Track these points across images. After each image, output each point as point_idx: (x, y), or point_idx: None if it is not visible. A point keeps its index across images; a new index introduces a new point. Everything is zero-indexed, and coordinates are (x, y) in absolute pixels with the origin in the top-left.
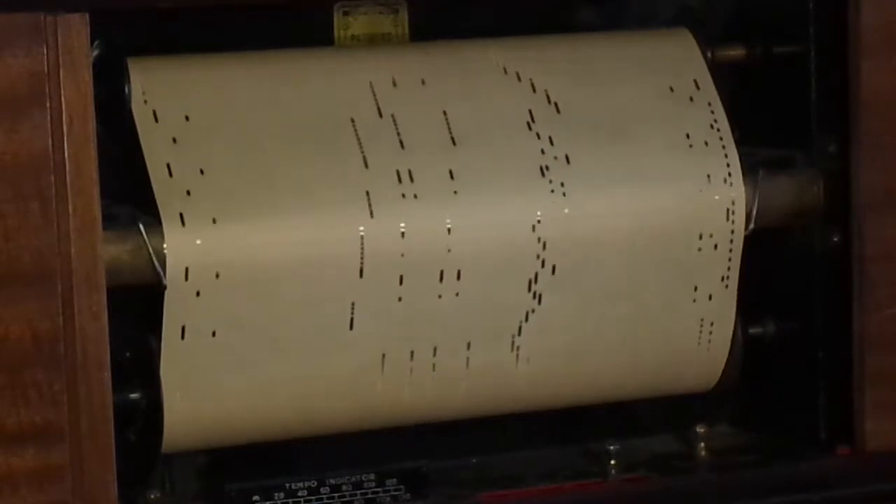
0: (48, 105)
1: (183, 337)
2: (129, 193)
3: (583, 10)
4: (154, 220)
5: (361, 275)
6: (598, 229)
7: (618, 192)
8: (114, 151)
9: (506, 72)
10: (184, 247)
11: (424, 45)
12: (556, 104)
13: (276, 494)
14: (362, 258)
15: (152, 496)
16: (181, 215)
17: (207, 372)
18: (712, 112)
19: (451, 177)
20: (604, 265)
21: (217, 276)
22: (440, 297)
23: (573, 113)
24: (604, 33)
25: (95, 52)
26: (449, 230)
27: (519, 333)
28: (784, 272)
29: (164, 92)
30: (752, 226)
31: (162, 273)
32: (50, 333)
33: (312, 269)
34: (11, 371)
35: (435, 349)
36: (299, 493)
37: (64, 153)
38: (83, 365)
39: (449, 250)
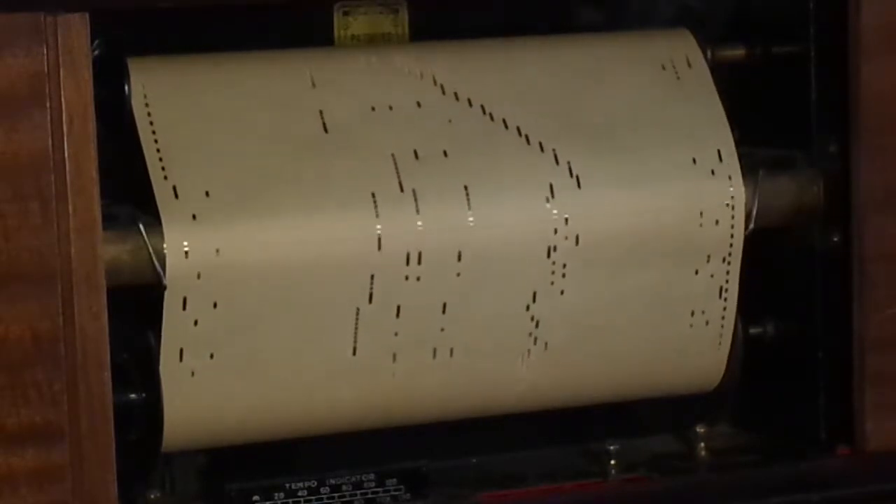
0: (48, 105)
1: (183, 337)
2: (129, 193)
3: (583, 10)
4: (154, 220)
5: (367, 277)
6: (597, 230)
7: (617, 193)
8: (114, 151)
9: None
10: (184, 246)
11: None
12: (553, 105)
13: (276, 494)
14: (369, 260)
15: (152, 496)
16: (181, 215)
17: (208, 372)
18: (712, 112)
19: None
20: (603, 266)
21: (217, 275)
22: (448, 298)
23: (572, 113)
24: (604, 33)
25: (95, 52)
26: (454, 230)
27: (523, 336)
28: (784, 272)
29: (164, 92)
30: (752, 226)
31: (162, 273)
32: (50, 333)
33: (315, 270)
34: (11, 371)
35: (435, 350)
36: (299, 493)
37: (64, 153)
38: (83, 365)
39: (459, 252)
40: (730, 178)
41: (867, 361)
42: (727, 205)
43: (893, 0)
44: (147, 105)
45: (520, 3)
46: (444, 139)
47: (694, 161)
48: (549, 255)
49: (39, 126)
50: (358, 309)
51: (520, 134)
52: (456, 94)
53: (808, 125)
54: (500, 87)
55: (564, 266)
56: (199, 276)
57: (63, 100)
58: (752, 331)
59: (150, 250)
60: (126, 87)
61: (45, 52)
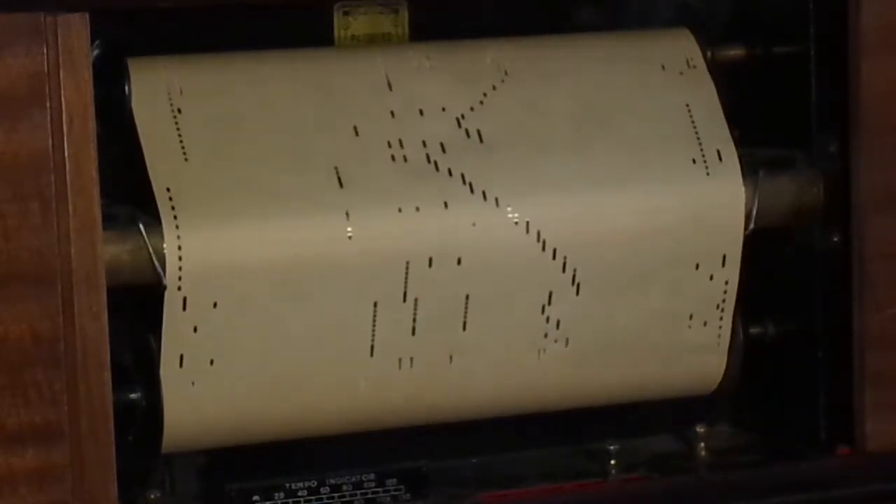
0: (48, 105)
1: (183, 337)
2: (129, 193)
3: (583, 10)
4: (154, 220)
5: (370, 278)
6: (597, 230)
7: (617, 193)
8: (114, 151)
9: (505, 72)
10: (184, 247)
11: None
12: (555, 104)
13: (276, 494)
14: (372, 262)
15: (152, 496)
16: (181, 215)
17: (207, 372)
18: (712, 112)
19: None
20: (603, 266)
21: (217, 275)
22: (453, 299)
23: (572, 113)
24: (604, 33)
25: (95, 52)
26: (463, 230)
27: (534, 339)
28: (784, 272)
29: (164, 92)
30: (752, 226)
31: (162, 273)
32: (50, 333)
33: (314, 270)
34: (11, 371)
35: (451, 356)
36: (299, 493)
37: (64, 153)
38: (83, 365)
39: (462, 252)
40: (730, 178)
41: (867, 361)
42: (727, 205)
43: (893, 0)
44: (147, 105)
45: (520, 3)
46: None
47: (693, 161)
48: (553, 258)
49: (39, 126)
50: (359, 310)
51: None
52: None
53: (808, 125)
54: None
55: (565, 269)
56: (199, 276)
57: (63, 100)
58: (752, 331)
59: (150, 250)
60: (126, 87)
61: (45, 52)
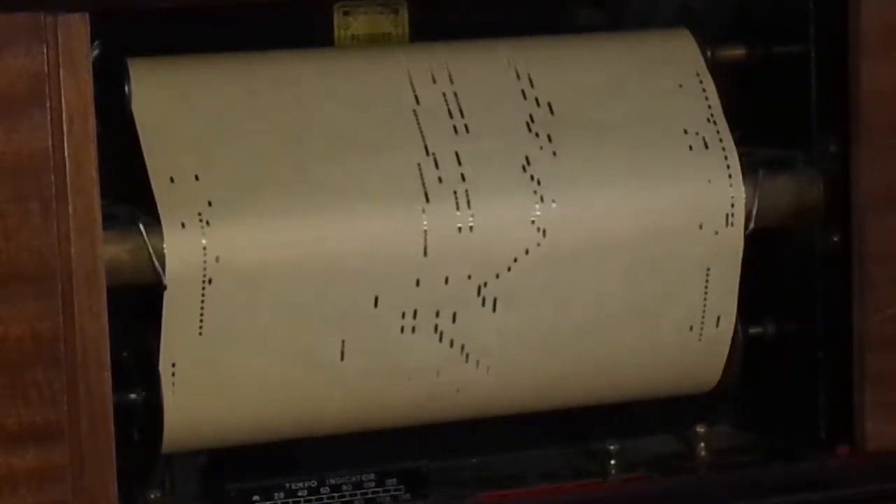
0: (48, 105)
1: (182, 337)
2: (129, 193)
3: (583, 10)
4: (154, 220)
5: (371, 279)
6: (598, 229)
7: (618, 192)
8: (114, 151)
9: (506, 71)
10: (184, 247)
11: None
12: (553, 105)
13: (276, 494)
14: (373, 263)
15: (152, 496)
16: (181, 215)
17: (207, 372)
18: (712, 112)
19: (463, 179)
20: (604, 265)
21: (217, 276)
22: (451, 295)
23: (572, 113)
24: (604, 33)
25: (95, 52)
26: (459, 229)
27: (522, 334)
28: (784, 272)
29: (164, 92)
30: (752, 226)
31: (162, 273)
32: (50, 333)
33: (314, 270)
34: (11, 371)
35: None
36: (299, 493)
37: (64, 153)
38: (83, 365)
39: (459, 249)
40: (730, 178)
41: (867, 361)
42: (727, 205)
43: (893, 0)
44: (147, 105)
45: (520, 3)
46: (447, 139)
47: (693, 161)
48: (542, 252)
49: (39, 126)
50: (360, 310)
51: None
52: (456, 94)
53: (808, 125)
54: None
55: (562, 264)
56: (199, 276)
57: (63, 100)
58: (752, 331)
59: (150, 250)
60: (126, 87)
61: (45, 52)
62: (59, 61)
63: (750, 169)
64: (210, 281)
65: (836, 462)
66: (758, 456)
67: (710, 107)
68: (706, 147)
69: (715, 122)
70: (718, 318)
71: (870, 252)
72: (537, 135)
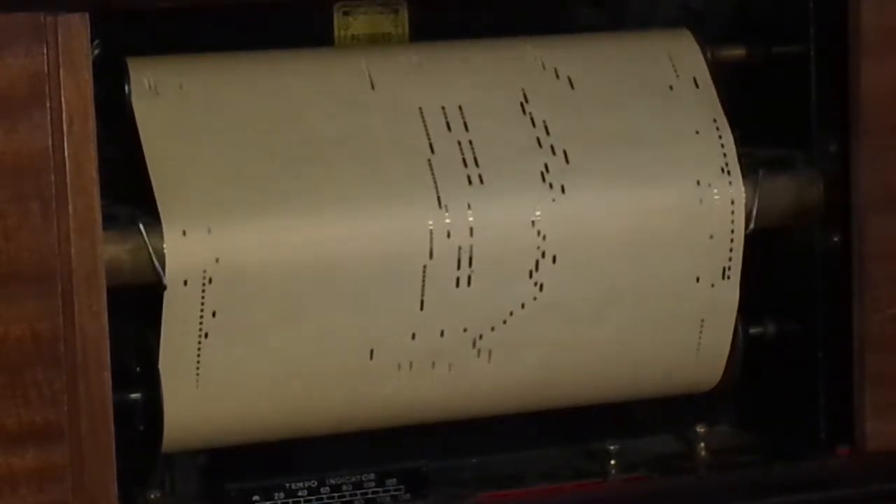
0: (48, 105)
1: (182, 337)
2: (129, 193)
3: (583, 10)
4: (154, 220)
5: (371, 279)
6: (598, 229)
7: (618, 192)
8: (114, 151)
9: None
10: (184, 247)
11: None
12: (556, 105)
13: (276, 494)
14: (373, 263)
15: (152, 496)
16: (181, 215)
17: (207, 372)
18: (712, 112)
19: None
20: (604, 265)
21: (217, 276)
22: (452, 296)
23: (572, 113)
24: (604, 33)
25: (95, 52)
26: (471, 231)
27: (521, 333)
28: (784, 272)
29: (164, 92)
30: (752, 226)
31: (162, 273)
32: (50, 333)
33: (313, 270)
34: (11, 371)
35: (441, 350)
36: (299, 493)
37: (64, 153)
38: (83, 365)
39: (459, 248)
40: (730, 178)
41: (867, 361)
42: (727, 205)
43: (893, 0)
44: (147, 105)
45: (520, 3)
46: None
47: (694, 161)
48: (554, 258)
49: (39, 126)
50: (360, 311)
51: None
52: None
53: (808, 125)
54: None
55: (564, 265)
56: (198, 276)
57: (63, 100)
58: (752, 331)
59: (150, 250)
60: (126, 88)
61: (45, 52)
62: (59, 61)
63: (750, 169)
64: (210, 281)
65: (836, 462)
66: (758, 456)
67: (709, 106)
68: (706, 147)
69: (715, 122)
70: (719, 319)
71: (870, 252)
72: (538, 136)
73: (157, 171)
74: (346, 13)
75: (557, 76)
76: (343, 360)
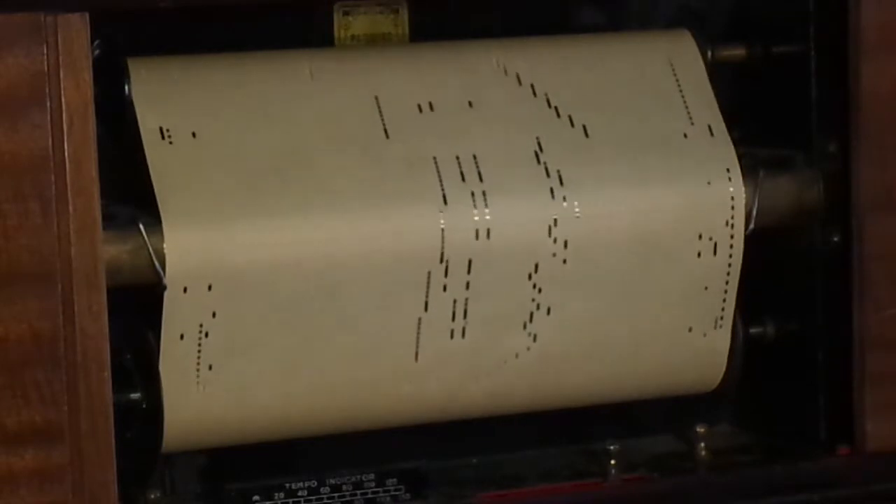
0: (48, 105)
1: (183, 337)
2: (129, 193)
3: (583, 10)
4: (154, 220)
5: (371, 280)
6: (598, 229)
7: (618, 193)
8: (114, 151)
9: (506, 72)
10: (184, 247)
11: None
12: (556, 106)
13: (276, 494)
14: (372, 263)
15: (152, 496)
16: (181, 215)
17: (208, 371)
18: (712, 112)
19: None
20: (604, 265)
21: (217, 276)
22: (454, 299)
23: (572, 113)
24: (604, 33)
25: (95, 52)
26: (478, 232)
27: (523, 334)
28: (784, 272)
29: (164, 92)
30: (752, 226)
31: (162, 273)
32: (50, 333)
33: (313, 270)
34: (11, 371)
35: (441, 348)
36: (299, 493)
37: (64, 153)
38: (83, 365)
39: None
40: (730, 178)
41: (867, 361)
42: (727, 205)
43: (893, 0)
44: (147, 105)
45: (520, 3)
46: (449, 139)
47: (693, 162)
48: (552, 256)
49: (39, 126)
50: (360, 311)
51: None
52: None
53: (808, 125)
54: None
55: (565, 266)
56: (199, 276)
57: (63, 100)
58: (752, 331)
59: (150, 250)
60: (126, 88)
61: (45, 52)
62: (59, 61)
63: (750, 169)
64: (210, 280)
65: (836, 462)
66: (758, 456)
67: (709, 107)
68: (706, 147)
69: (714, 123)
70: (719, 319)
71: (870, 252)
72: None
73: (157, 172)
74: (346, 13)
75: (556, 76)
76: (344, 361)
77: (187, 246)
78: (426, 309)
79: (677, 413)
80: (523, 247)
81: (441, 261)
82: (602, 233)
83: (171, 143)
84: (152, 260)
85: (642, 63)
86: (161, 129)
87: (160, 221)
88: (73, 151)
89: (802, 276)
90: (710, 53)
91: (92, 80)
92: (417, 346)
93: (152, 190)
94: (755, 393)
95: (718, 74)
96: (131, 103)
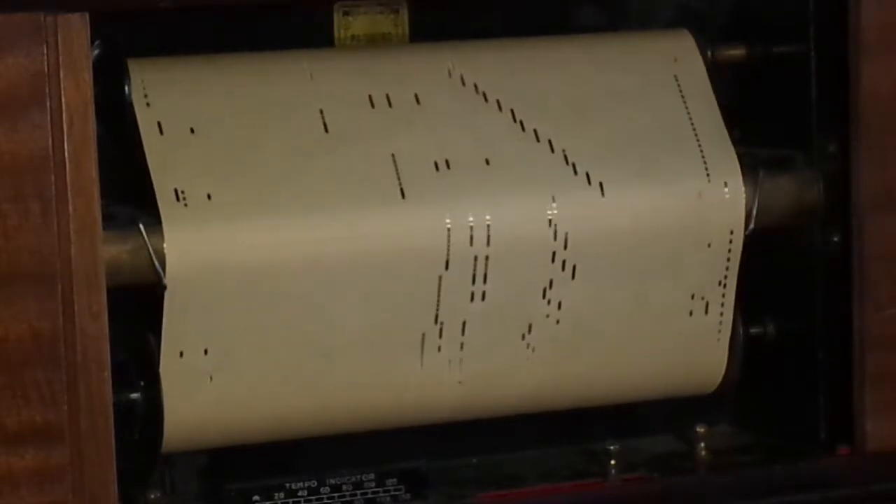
0: (48, 105)
1: (183, 337)
2: (129, 193)
3: (583, 10)
4: (154, 220)
5: (370, 279)
6: (598, 229)
7: (616, 193)
8: (114, 151)
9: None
10: (184, 247)
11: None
12: (556, 106)
13: (276, 494)
14: (370, 262)
15: (152, 496)
16: (181, 215)
17: (208, 372)
18: (712, 113)
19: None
20: (604, 265)
21: (217, 275)
22: (456, 297)
23: (572, 113)
24: (604, 33)
25: (95, 52)
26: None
27: (526, 334)
28: (784, 272)
29: (164, 92)
30: (752, 226)
31: (162, 273)
32: (50, 333)
33: (314, 270)
34: (11, 371)
35: (440, 348)
36: (299, 493)
37: (64, 153)
38: (83, 365)
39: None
40: (730, 177)
41: (867, 361)
42: (727, 205)
43: (893, 0)
44: (147, 105)
45: (520, 3)
46: (449, 139)
47: (693, 162)
48: (552, 258)
49: (39, 126)
50: (359, 310)
51: (523, 129)
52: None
53: (808, 125)
54: (505, 85)
55: (565, 267)
56: (199, 276)
57: (63, 100)
58: (752, 331)
59: (150, 250)
60: (126, 88)
61: (45, 52)
62: (59, 61)
63: (750, 169)
64: (210, 280)
65: (836, 462)
66: (758, 456)
67: (709, 106)
68: (706, 147)
69: (714, 123)
70: (719, 319)
71: (870, 252)
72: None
73: (157, 171)
74: (346, 13)
75: (556, 77)
76: (345, 361)
77: (187, 246)
78: (437, 308)
79: (677, 413)
80: (523, 247)
81: (447, 267)
82: (601, 232)
83: (171, 143)
84: (152, 260)
85: (642, 63)
86: (161, 128)
87: (160, 221)
88: (73, 151)
89: (802, 276)
90: (710, 53)
91: (92, 80)
92: (422, 349)
93: (152, 190)
94: (755, 393)
95: (718, 74)
96: (131, 103)
